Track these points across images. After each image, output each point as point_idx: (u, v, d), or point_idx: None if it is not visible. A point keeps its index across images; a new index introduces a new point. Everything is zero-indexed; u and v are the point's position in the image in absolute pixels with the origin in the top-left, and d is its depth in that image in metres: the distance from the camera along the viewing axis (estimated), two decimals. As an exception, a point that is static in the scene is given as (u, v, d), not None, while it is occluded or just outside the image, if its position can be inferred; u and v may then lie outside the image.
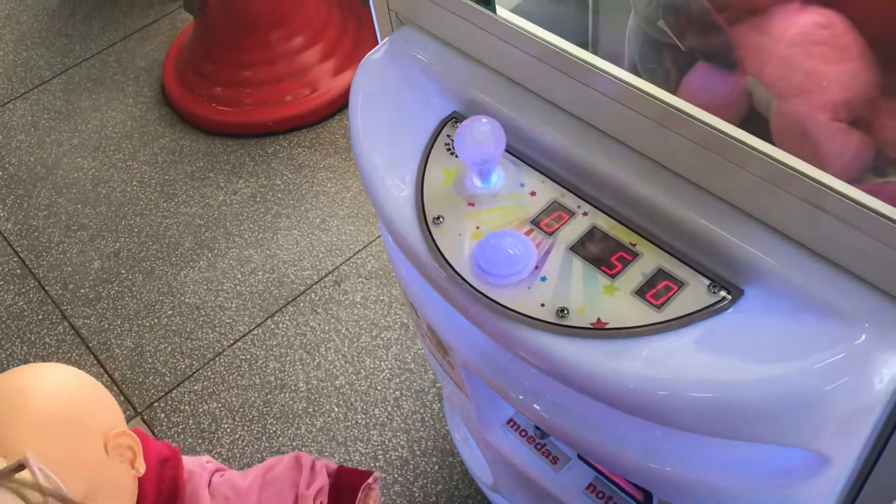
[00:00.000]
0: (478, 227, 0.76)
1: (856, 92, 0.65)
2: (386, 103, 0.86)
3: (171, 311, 1.81)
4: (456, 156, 0.81)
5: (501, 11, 0.78)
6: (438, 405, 1.60)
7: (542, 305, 0.70)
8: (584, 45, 0.75)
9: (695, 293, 0.68)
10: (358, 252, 1.86)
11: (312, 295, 1.81)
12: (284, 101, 2.14)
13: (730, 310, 0.67)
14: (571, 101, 0.77)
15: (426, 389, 1.62)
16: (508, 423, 1.02)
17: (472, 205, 0.77)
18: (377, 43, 2.41)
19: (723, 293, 0.68)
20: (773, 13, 0.66)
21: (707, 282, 0.69)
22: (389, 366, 1.67)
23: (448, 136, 0.83)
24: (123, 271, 1.89)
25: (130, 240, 1.95)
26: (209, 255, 1.90)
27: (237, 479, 0.86)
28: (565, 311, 0.69)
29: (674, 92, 0.71)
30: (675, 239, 0.71)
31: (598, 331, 0.67)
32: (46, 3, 2.63)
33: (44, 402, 0.72)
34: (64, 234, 1.98)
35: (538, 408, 0.82)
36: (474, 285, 0.72)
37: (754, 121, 0.71)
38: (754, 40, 0.67)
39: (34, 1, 2.64)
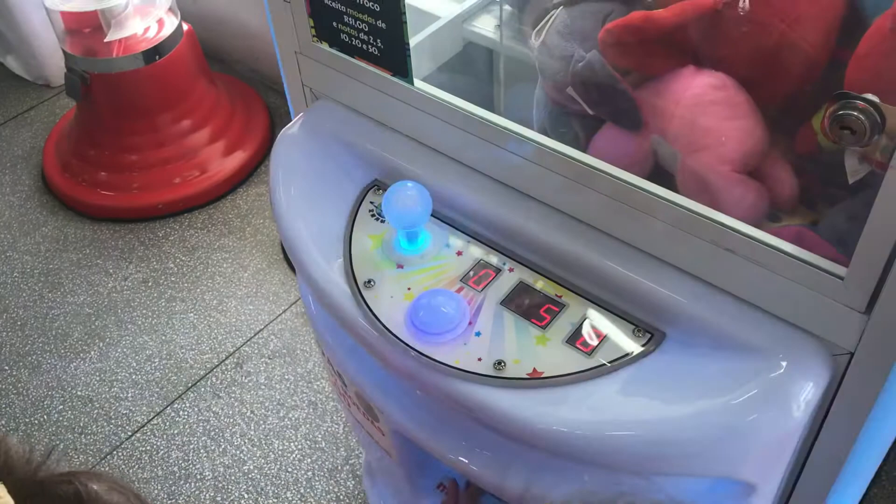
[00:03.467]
0: (409, 289, 0.78)
1: (750, 146, 0.72)
2: (306, 175, 0.88)
3: (61, 406, 1.71)
4: (381, 221, 0.83)
5: (417, 83, 0.81)
6: (353, 482, 1.57)
7: (479, 360, 0.72)
8: (496, 113, 0.79)
9: (621, 338, 0.72)
10: (259, 332, 1.83)
11: (213, 379, 1.76)
12: (173, 183, 2.11)
13: (655, 352, 0.71)
14: (488, 164, 0.81)
15: (339, 468, 1.59)
16: (438, 487, 1.02)
17: (401, 266, 0.79)
18: (266, 125, 2.46)
19: (647, 336, 0.72)
20: (671, 77, 0.73)
21: (632, 327, 0.73)
22: (299, 446, 1.63)
23: (371, 202, 0.85)
24: (7, 367, 1.78)
25: (13, 333, 1.85)
26: (100, 344, 1.82)
27: None
28: (502, 364, 0.71)
29: (584, 152, 0.76)
30: (597, 288, 0.75)
31: (536, 380, 0.70)
32: None
33: None
34: (-63, 332, 1.86)
35: (474, 466, 0.83)
36: (411, 344, 0.73)
37: (660, 176, 0.76)
38: (657, 103, 0.74)
39: None
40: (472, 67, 1.11)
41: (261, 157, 2.22)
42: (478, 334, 0.74)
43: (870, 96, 0.57)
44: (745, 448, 0.68)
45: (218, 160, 2.15)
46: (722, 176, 0.71)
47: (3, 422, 1.69)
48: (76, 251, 2.02)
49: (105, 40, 1.95)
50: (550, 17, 0.79)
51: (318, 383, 1.73)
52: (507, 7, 1.04)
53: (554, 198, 0.78)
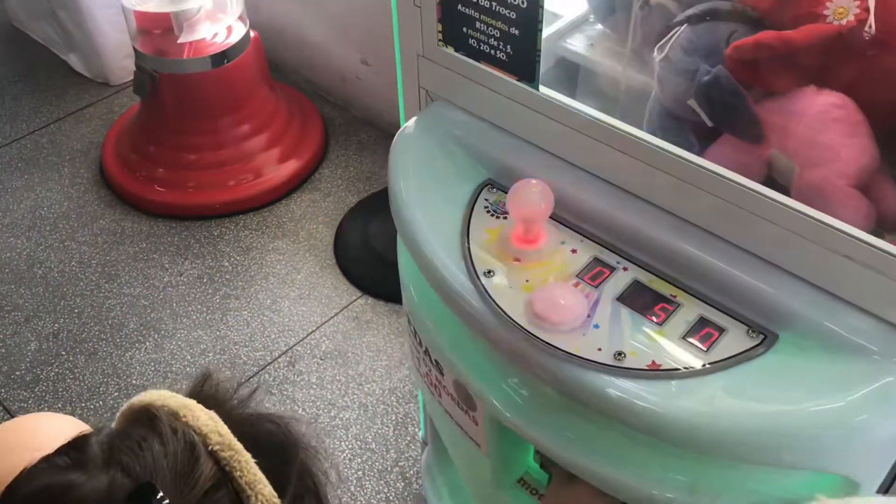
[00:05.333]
0: (527, 280, 0.81)
1: (865, 163, 0.76)
2: (423, 171, 0.92)
3: (116, 393, 1.75)
4: (497, 217, 0.87)
5: (542, 88, 0.86)
6: (402, 484, 1.60)
7: (599, 350, 0.75)
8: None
9: (735, 338, 0.76)
10: (311, 333, 1.87)
11: (266, 376, 1.79)
12: (227, 185, 2.16)
13: (768, 352, 0.75)
14: (604, 167, 0.85)
15: (389, 469, 1.62)
16: (519, 481, 1.05)
17: (519, 260, 0.83)
18: (321, 135, 2.53)
19: (760, 337, 0.76)
20: (793, 95, 0.77)
21: (745, 327, 0.76)
22: (350, 446, 1.66)
23: (486, 199, 0.89)
24: (64, 353, 1.82)
25: (70, 321, 1.89)
26: (155, 336, 1.86)
27: None
28: (622, 355, 0.75)
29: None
30: (710, 290, 0.79)
31: (654, 372, 0.74)
32: (-30, 84, 2.58)
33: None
34: (-4, 315, 1.90)
35: (566, 453, 0.86)
36: (534, 332, 0.77)
37: (772, 188, 0.81)
38: (778, 118, 0.78)
39: (-45, 81, 2.59)
40: (562, 82, 1.16)
41: (313, 165, 2.27)
42: (596, 326, 0.77)
43: None
44: (855, 445, 0.72)
45: (273, 166, 2.20)
46: (839, 190, 0.76)
47: (60, 405, 1.72)
48: (133, 245, 2.07)
49: (178, 41, 2.01)
50: (674, 34, 0.83)
51: (369, 386, 1.76)
52: (598, 27, 1.09)
53: (668, 201, 0.82)
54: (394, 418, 1.70)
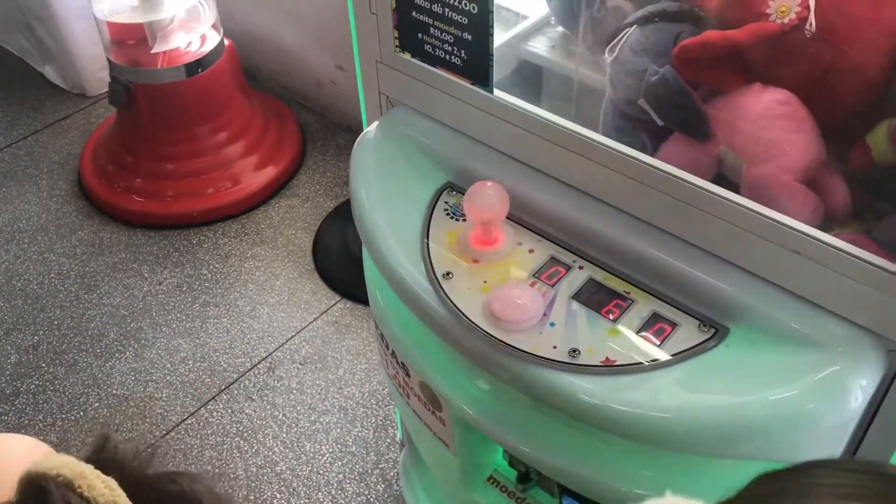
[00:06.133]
0: (485, 281, 0.83)
1: (811, 158, 0.78)
2: (384, 175, 0.93)
3: (97, 404, 1.75)
4: (457, 219, 0.89)
5: (497, 91, 0.87)
6: (383, 486, 1.61)
7: (555, 347, 0.77)
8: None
9: (688, 332, 0.77)
10: (290, 338, 1.88)
11: (246, 382, 1.80)
12: (206, 193, 2.17)
13: (720, 345, 0.76)
14: (560, 168, 0.87)
15: (369, 471, 1.64)
16: (489, 479, 1.06)
17: (477, 261, 0.85)
18: (298, 141, 2.54)
19: (712, 331, 0.77)
20: (739, 93, 0.79)
21: (697, 322, 0.78)
22: (330, 449, 1.67)
23: (446, 202, 0.91)
24: (44, 364, 1.83)
25: (50, 332, 1.89)
26: (136, 345, 1.87)
27: None
28: (577, 352, 0.76)
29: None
30: (663, 286, 0.81)
31: (609, 367, 0.75)
32: (-54, 98, 2.57)
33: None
34: (-25, 329, 1.90)
35: (532, 452, 0.88)
36: (491, 332, 0.78)
37: (722, 184, 0.82)
38: (725, 116, 0.80)
39: (-68, 96, 2.58)
40: (525, 84, 1.18)
41: (291, 171, 2.28)
42: (552, 325, 0.79)
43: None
44: (804, 434, 0.73)
45: (251, 173, 2.21)
46: (785, 185, 0.77)
47: (41, 417, 1.72)
48: (112, 255, 2.07)
49: (151, 51, 2.02)
50: (623, 35, 0.85)
51: (349, 389, 1.77)
52: (559, 29, 1.11)
53: (622, 200, 0.84)
54: (374, 421, 1.71)
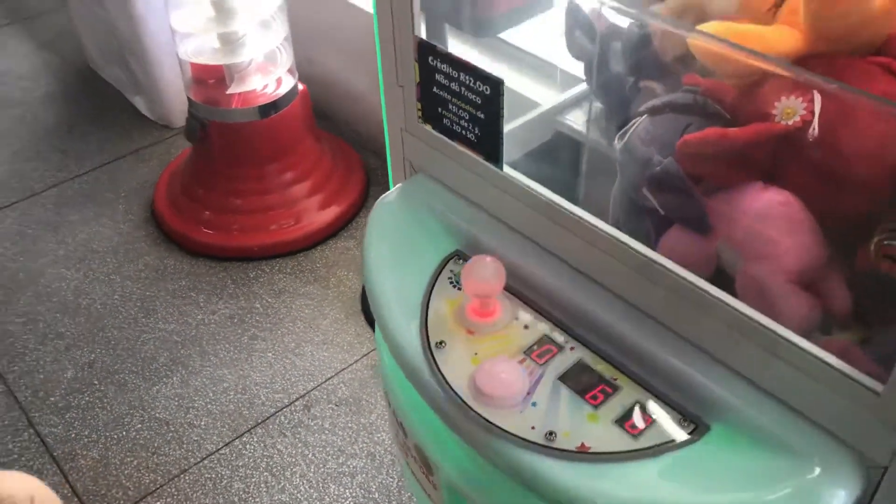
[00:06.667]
0: (476, 354, 0.84)
1: (807, 261, 0.77)
2: (396, 238, 0.96)
3: (139, 425, 1.82)
4: (458, 288, 0.91)
5: (506, 168, 0.90)
6: (400, 536, 1.62)
7: (533, 428, 0.78)
8: (574, 201, 0.87)
9: (668, 425, 0.77)
10: (329, 378, 1.92)
11: (282, 418, 1.84)
12: (269, 229, 2.25)
13: (698, 442, 0.76)
14: (563, 248, 0.88)
15: (389, 519, 1.65)
16: (481, 547, 1.06)
17: (472, 333, 0.86)
18: (362, 184, 2.59)
19: (692, 426, 0.76)
20: (741, 190, 0.79)
21: (679, 416, 0.78)
22: (353, 493, 1.70)
23: (451, 270, 0.93)
24: (96, 382, 1.92)
25: (106, 352, 1.99)
26: (183, 372, 1.94)
27: None
28: (553, 435, 0.77)
29: (653, 248, 0.82)
30: (651, 376, 0.81)
31: (583, 454, 0.75)
32: (45, 121, 2.75)
33: None
34: (40, 342, 2.01)
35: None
36: (472, 406, 0.80)
37: (722, 278, 0.82)
38: (725, 211, 0.80)
39: (32, 118, 2.76)
40: (559, 156, 1.20)
41: (353, 213, 2.34)
42: (534, 405, 0.80)
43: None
44: (774, 545, 0.72)
45: (314, 212, 2.28)
46: (778, 285, 0.77)
47: (87, 433, 1.81)
48: (173, 282, 2.16)
49: (227, 92, 2.12)
50: (634, 123, 0.86)
51: (379, 435, 1.80)
52: (597, 104, 1.13)
53: (620, 287, 0.84)
54: (399, 470, 1.73)
